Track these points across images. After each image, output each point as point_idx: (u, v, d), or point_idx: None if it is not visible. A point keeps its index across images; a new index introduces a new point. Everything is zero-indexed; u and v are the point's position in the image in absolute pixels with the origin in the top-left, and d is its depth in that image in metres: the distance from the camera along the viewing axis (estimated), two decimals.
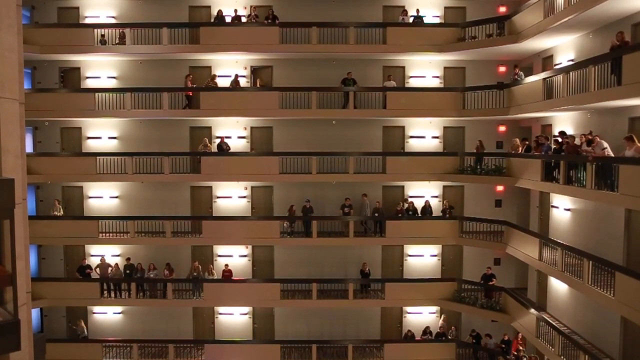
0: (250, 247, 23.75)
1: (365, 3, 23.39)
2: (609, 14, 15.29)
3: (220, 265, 23.33)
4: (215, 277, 22.70)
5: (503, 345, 20.80)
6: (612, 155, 14.46)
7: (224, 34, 21.82)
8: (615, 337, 16.00)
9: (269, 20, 22.30)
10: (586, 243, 17.20)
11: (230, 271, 23.00)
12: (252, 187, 23.82)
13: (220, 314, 23.90)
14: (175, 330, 23.68)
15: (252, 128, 23.73)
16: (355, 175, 22.17)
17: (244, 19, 22.95)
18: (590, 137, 15.85)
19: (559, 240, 17.68)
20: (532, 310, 19.09)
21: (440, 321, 22.62)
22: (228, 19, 22.70)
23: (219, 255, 23.84)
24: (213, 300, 22.53)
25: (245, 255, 23.88)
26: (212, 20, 22.81)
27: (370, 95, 22.42)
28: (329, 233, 22.82)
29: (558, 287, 19.49)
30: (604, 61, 14.02)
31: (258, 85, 22.69)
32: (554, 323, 18.05)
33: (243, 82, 23.39)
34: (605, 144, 14.78)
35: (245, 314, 23.87)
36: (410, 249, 23.95)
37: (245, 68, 23.59)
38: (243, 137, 23.68)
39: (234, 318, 23.88)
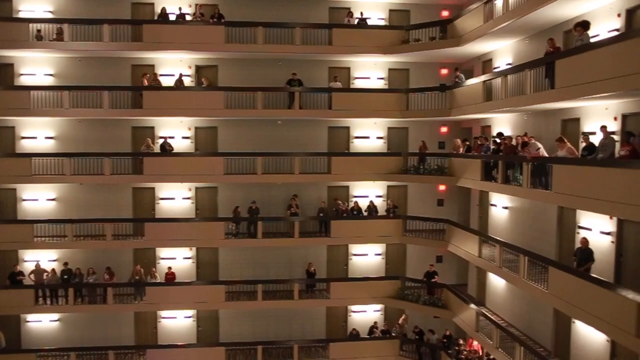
0: (194, 249, 23.49)
1: (312, 4, 23.65)
2: (543, 21, 16.17)
3: (164, 268, 22.95)
4: (158, 280, 22.31)
5: (445, 340, 21.51)
6: (546, 155, 15.27)
7: (168, 32, 21.50)
8: (548, 329, 16.91)
9: (215, 19, 22.17)
10: (522, 239, 18.07)
11: (173, 274, 22.68)
12: (196, 188, 23.58)
13: (163, 318, 23.51)
14: (116, 336, 23.10)
15: (196, 128, 23.50)
16: (300, 175, 22.35)
17: (188, 17, 22.72)
18: (525, 139, 16.71)
19: (497, 238, 18.49)
20: (472, 306, 19.84)
21: (401, 320, 23.01)
22: (172, 17, 22.41)
23: (162, 258, 23.45)
24: (156, 304, 22.10)
25: (189, 258, 23.59)
26: (156, 18, 22.44)
27: (315, 96, 22.69)
28: (274, 234, 22.89)
29: (496, 282, 20.36)
30: (538, 66, 14.80)
31: (203, 85, 22.48)
32: (492, 317, 18.85)
33: (187, 81, 23.14)
34: (540, 145, 15.60)
35: (189, 317, 23.59)
36: (355, 248, 24.36)
37: (190, 67, 23.34)
38: (187, 138, 23.42)
39: (177, 322, 23.54)
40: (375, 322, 23.46)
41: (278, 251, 23.63)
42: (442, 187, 24.51)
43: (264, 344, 22.29)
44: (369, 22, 23.55)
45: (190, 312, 23.48)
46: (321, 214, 23.03)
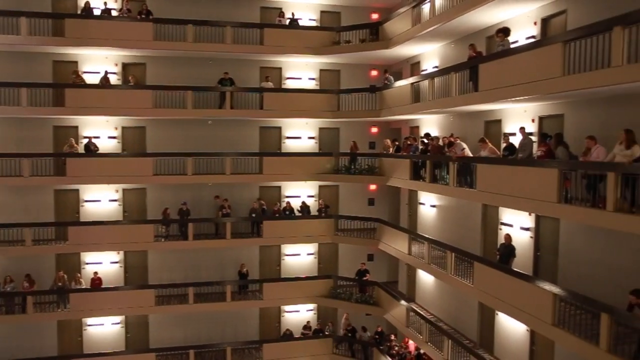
0: (121, 252, 22.83)
1: (243, 3, 23.58)
2: (467, 27, 16.95)
3: (89, 274, 22.18)
4: (84, 287, 21.53)
5: (377, 337, 22.05)
6: (471, 155, 16.02)
7: (93, 28, 20.76)
8: (474, 321, 17.74)
9: (142, 16, 21.66)
10: (450, 236, 18.85)
11: (99, 279, 21.97)
12: (124, 190, 22.93)
13: (89, 325, 22.69)
14: (38, 347, 22.02)
15: (123, 128, 22.85)
16: (232, 176, 22.23)
17: (114, 13, 22.05)
18: (452, 139, 17.44)
19: (425, 235, 19.19)
20: (402, 302, 20.47)
21: (343, 319, 23.26)
22: (97, 12, 21.68)
23: (88, 263, 22.64)
24: (81, 312, 21.30)
25: (116, 262, 22.91)
26: (79, 12, 21.63)
27: (247, 96, 22.64)
28: (206, 235, 22.63)
29: (425, 278, 21.11)
30: (463, 69, 15.53)
31: (131, 83, 21.90)
32: (421, 312, 19.54)
33: (114, 79, 22.47)
34: (465, 145, 16.36)
35: (117, 323, 22.90)
36: (287, 249, 24.51)
37: (116, 64, 22.68)
38: (114, 137, 22.73)
39: (104, 329, 22.79)
40: (308, 322, 23.70)
41: (210, 253, 23.38)
42: (372, 187, 25.10)
43: (196, 348, 22.00)
44: (300, 23, 23.78)
45: (118, 319, 22.80)
46: (253, 215, 23.00)
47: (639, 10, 9.33)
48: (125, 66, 22.82)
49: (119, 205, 22.89)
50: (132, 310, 21.82)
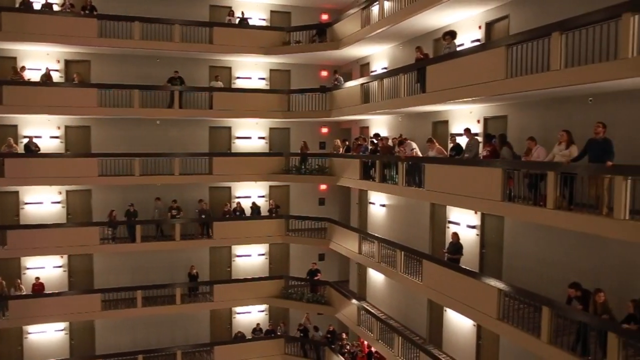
0: (65, 256, 22.15)
1: (192, 1, 23.31)
2: (415, 29, 17.34)
3: (30, 279, 21.39)
4: (24, 293, 20.75)
5: (329, 336, 22.24)
6: (421, 155, 16.39)
7: (32, 22, 20.01)
8: (423, 318, 18.18)
9: (86, 11, 21.07)
10: (399, 235, 19.23)
11: (41, 284, 21.23)
12: (67, 191, 22.26)
13: (31, 333, 21.87)
14: None
15: (66, 127, 22.16)
16: (181, 176, 21.94)
17: (56, 7, 21.36)
18: (402, 139, 17.77)
19: (375, 234, 19.50)
20: (354, 301, 20.73)
21: (304, 319, 23.26)
22: (37, 6, 20.94)
23: (29, 268, 21.82)
24: (21, 319, 20.50)
25: (60, 266, 22.21)
26: (18, 5, 20.84)
27: (196, 95, 22.38)
28: (154, 237, 22.24)
29: (376, 277, 21.45)
30: (411, 71, 15.88)
31: (74, 81, 21.26)
32: (372, 311, 19.85)
33: (56, 76, 21.76)
34: (414, 145, 16.70)
35: (61, 330, 22.20)
36: (238, 249, 24.39)
37: (59, 61, 21.97)
38: (56, 137, 22.01)
39: (47, 336, 22.03)
40: (258, 324, 23.62)
41: (159, 255, 23.00)
42: (323, 187, 25.29)
43: (145, 353, 21.58)
44: (250, 22, 23.71)
45: (62, 325, 22.11)
46: (203, 216, 22.77)
47: (576, 17, 9.83)
48: (68, 63, 22.14)
49: (63, 207, 22.19)
50: (77, 316, 21.18)
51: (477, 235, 15.37)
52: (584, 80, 9.59)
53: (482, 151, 13.59)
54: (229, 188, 24.33)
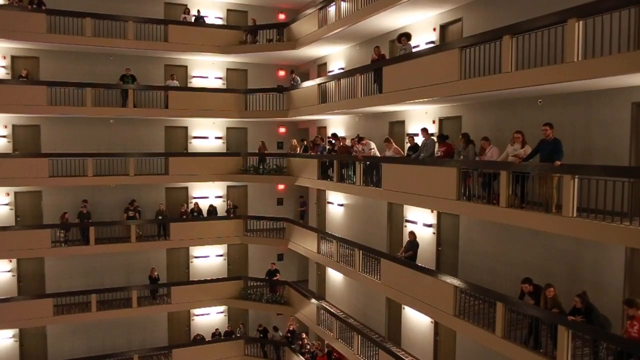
0: (14, 260, 21.44)
1: None
2: (372, 30, 17.55)
3: None
4: None
5: (289, 335, 22.28)
6: (378, 154, 16.59)
7: None
8: (382, 316, 18.43)
9: (34, 6, 20.43)
10: (358, 234, 19.43)
11: None
12: (16, 193, 21.54)
13: None
14: None
15: (14, 126, 21.43)
16: (136, 177, 21.56)
17: (1, 1, 20.62)
18: (360, 139, 17.93)
19: (334, 234, 19.64)
20: (313, 300, 20.83)
21: (289, 323, 23.03)
22: None
23: None
24: None
25: (8, 271, 21.49)
26: None
27: (151, 94, 22.02)
28: (109, 239, 21.77)
29: (335, 276, 21.61)
30: (367, 71, 16.08)
31: (22, 78, 20.58)
32: (332, 310, 19.99)
33: (2, 73, 21.03)
34: (373, 145, 16.88)
35: (11, 337, 21.47)
36: (196, 251, 24.16)
37: (4, 57, 21.23)
38: (3, 136, 21.28)
39: None
40: (217, 329, 23.41)
41: (114, 258, 22.53)
42: (281, 187, 25.30)
43: (101, 358, 21.12)
44: (207, 21, 23.48)
45: (11, 332, 21.39)
46: (160, 217, 22.45)
47: (525, 22, 10.18)
48: (15, 59, 21.40)
49: (11, 209, 21.47)
50: (28, 322, 20.51)
51: (434, 233, 15.69)
52: (533, 83, 9.94)
53: (437, 151, 13.86)
54: (186, 188, 24.06)
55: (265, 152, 23.31)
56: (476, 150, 12.75)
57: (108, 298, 21.67)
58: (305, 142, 22.28)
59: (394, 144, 15.73)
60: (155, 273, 22.63)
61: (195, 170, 22.55)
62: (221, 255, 24.63)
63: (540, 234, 11.31)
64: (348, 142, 18.59)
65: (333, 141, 19.48)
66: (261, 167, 22.83)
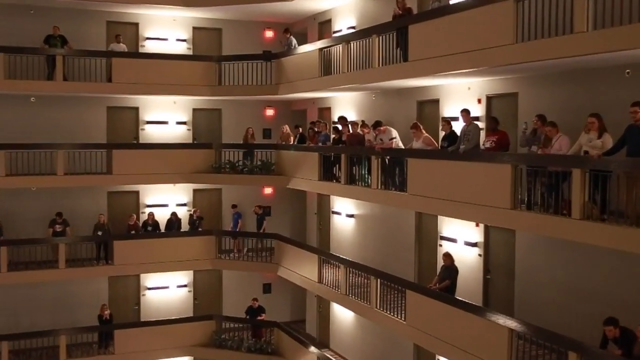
0: None
1: None
2: None
3: None
4: None
5: None
6: (402, 146, 16.54)
7: None
8: None
9: None
10: (374, 257, 19.39)
11: None
12: None
13: None
14: None
15: None
16: (67, 177, 21.57)
17: None
18: (377, 125, 17.81)
19: (342, 256, 19.57)
20: (313, 349, 20.79)
21: None
22: None
23: None
24: None
25: None
26: None
27: (88, 63, 22.00)
28: (27, 264, 21.72)
29: (343, 315, 21.54)
30: (388, 31, 16.02)
31: None
32: None
33: None
34: (395, 133, 16.75)
35: None
36: (149, 280, 24.18)
37: None
38: None
39: None
40: None
41: (35, 290, 22.53)
42: (268, 190, 25.30)
43: None
44: None
45: None
46: (99, 232, 22.45)
47: None
48: None
49: None
50: None
51: (480, 255, 15.65)
52: (620, 47, 9.85)
53: (484, 141, 13.82)
54: (137, 193, 24.14)
55: (255, 143, 23.31)
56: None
57: (26, 346, 21.65)
58: (301, 130, 22.25)
59: (424, 131, 15.67)
60: (107, 312, 22.49)
61: (150, 168, 22.53)
62: (185, 286, 24.64)
63: (628, 257, 11.24)
64: (360, 130, 18.53)
65: (340, 128, 19.44)
66: (250, 163, 22.73)
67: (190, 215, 24.13)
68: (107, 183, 22.87)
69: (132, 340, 22.33)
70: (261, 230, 23.96)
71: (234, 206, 24.70)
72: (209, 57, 23.52)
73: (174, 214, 23.85)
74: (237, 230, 24.31)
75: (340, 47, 18.27)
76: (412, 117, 17.74)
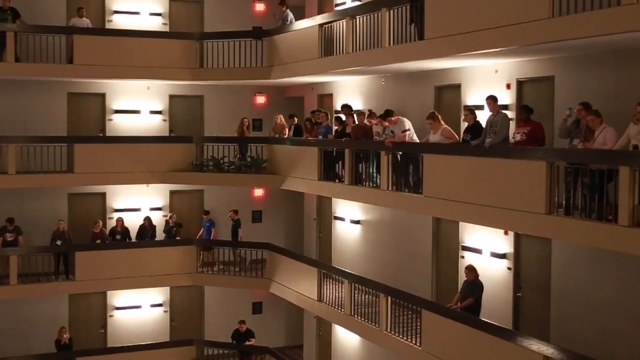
0: None
1: None
2: None
3: None
4: None
5: None
6: (417, 140, 16.52)
7: None
8: None
9: None
10: (384, 271, 19.38)
11: None
12: None
13: None
14: None
15: None
16: (19, 176, 21.56)
17: None
18: (387, 115, 17.79)
19: (345, 269, 19.57)
20: None
21: None
22: None
23: None
24: None
25: None
26: None
27: (45, 40, 22.01)
28: None
29: (346, 339, 21.53)
30: (400, 4, 15.97)
31: None
32: None
33: None
34: (409, 124, 16.72)
35: None
36: (118, 298, 24.20)
37: None
38: None
39: None
40: None
41: None
42: (258, 192, 25.30)
43: None
44: None
45: None
46: (58, 242, 22.43)
47: None
48: None
49: None
50: None
51: (509, 269, 15.62)
52: None
53: (514, 133, 13.79)
54: (103, 195, 24.18)
55: (249, 136, 23.41)
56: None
57: None
58: (297, 120, 22.24)
59: (442, 122, 15.64)
60: (66, 336, 22.51)
61: (119, 166, 22.54)
62: (160, 305, 24.67)
63: None
64: (367, 120, 18.51)
65: (343, 118, 19.43)
66: (238, 161, 22.80)
67: (167, 222, 24.13)
68: (68, 183, 22.89)
69: None
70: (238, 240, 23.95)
71: (206, 212, 24.63)
72: (188, 34, 23.54)
73: (147, 220, 23.87)
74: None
75: (344, 23, 18.26)
76: (429, 105, 17.72)
